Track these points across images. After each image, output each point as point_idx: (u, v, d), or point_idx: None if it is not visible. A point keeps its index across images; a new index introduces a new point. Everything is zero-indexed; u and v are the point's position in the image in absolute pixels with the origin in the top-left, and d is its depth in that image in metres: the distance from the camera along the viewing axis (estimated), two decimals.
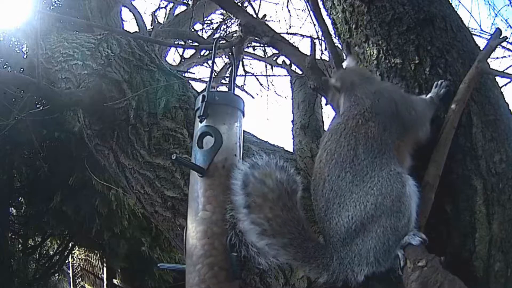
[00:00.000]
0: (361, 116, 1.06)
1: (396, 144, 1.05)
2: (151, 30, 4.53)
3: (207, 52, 4.96)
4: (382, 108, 1.06)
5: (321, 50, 3.07)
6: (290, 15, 8.69)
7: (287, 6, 6.34)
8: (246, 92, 6.39)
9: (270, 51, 5.54)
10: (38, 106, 4.55)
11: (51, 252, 6.84)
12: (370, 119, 1.05)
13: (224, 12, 5.21)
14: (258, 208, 1.01)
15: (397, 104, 1.07)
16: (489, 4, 4.98)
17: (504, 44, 3.09)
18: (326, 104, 1.37)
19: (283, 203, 1.02)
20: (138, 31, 4.08)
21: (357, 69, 1.24)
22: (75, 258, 8.26)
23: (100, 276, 7.59)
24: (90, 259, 8.00)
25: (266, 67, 6.06)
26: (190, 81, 2.57)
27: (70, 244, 6.67)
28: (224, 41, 1.74)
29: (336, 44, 1.49)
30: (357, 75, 1.17)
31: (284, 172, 1.05)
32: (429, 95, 1.16)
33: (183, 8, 5.39)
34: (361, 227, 0.99)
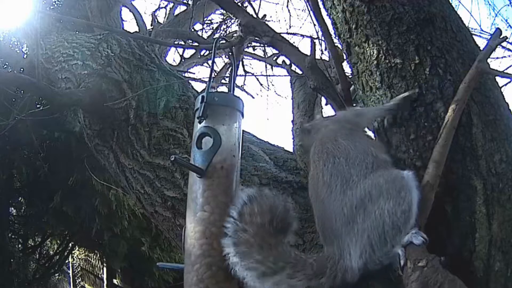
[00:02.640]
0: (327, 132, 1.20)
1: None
2: (151, 30, 4.52)
3: (207, 52, 4.96)
4: (339, 118, 1.28)
5: (321, 50, 3.07)
6: (290, 15, 8.63)
7: (287, 6, 6.33)
8: (246, 92, 6.38)
9: (270, 51, 5.53)
10: (38, 106, 4.56)
11: (51, 252, 6.85)
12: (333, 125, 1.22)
13: (224, 12, 5.21)
14: (246, 255, 1.01)
15: (345, 113, 1.28)
16: (489, 4, 4.97)
17: (504, 44, 3.09)
18: (326, 104, 1.38)
19: (268, 244, 1.01)
20: (138, 31, 4.07)
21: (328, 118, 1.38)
22: (75, 258, 8.26)
23: (100, 276, 7.59)
24: (90, 259, 8.01)
25: (266, 67, 6.05)
26: (190, 81, 2.58)
27: (70, 244, 6.68)
28: (224, 41, 1.74)
29: (336, 44, 1.49)
30: (327, 120, 1.31)
31: (267, 214, 1.03)
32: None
33: (183, 8, 5.38)
34: (361, 205, 1.00)
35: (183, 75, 3.92)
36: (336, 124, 1.21)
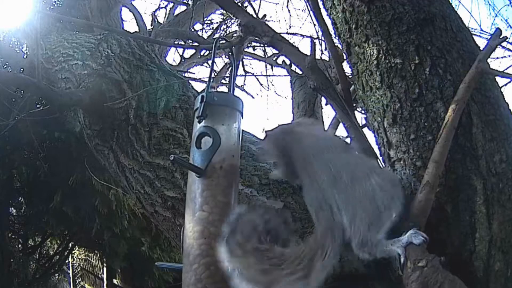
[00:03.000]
0: None
1: None
2: (151, 30, 4.53)
3: (207, 52, 4.96)
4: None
5: (321, 50, 3.07)
6: (290, 15, 8.65)
7: (287, 6, 6.34)
8: (246, 92, 6.38)
9: (270, 51, 5.53)
10: (38, 106, 4.55)
11: (51, 252, 6.84)
12: None
13: (224, 12, 5.21)
14: (272, 280, 0.95)
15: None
16: (489, 4, 4.97)
17: (504, 44, 3.09)
18: (326, 104, 1.38)
19: (277, 258, 0.98)
20: (138, 31, 4.08)
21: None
22: (75, 258, 8.26)
23: (100, 276, 7.60)
24: (90, 259, 8.01)
25: (266, 67, 6.05)
26: (190, 81, 2.57)
27: (70, 244, 6.67)
28: (224, 41, 1.74)
29: (336, 44, 1.49)
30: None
31: (252, 237, 1.00)
32: None
33: (183, 8, 5.38)
34: (346, 166, 1.03)
35: (183, 75, 3.92)
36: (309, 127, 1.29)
